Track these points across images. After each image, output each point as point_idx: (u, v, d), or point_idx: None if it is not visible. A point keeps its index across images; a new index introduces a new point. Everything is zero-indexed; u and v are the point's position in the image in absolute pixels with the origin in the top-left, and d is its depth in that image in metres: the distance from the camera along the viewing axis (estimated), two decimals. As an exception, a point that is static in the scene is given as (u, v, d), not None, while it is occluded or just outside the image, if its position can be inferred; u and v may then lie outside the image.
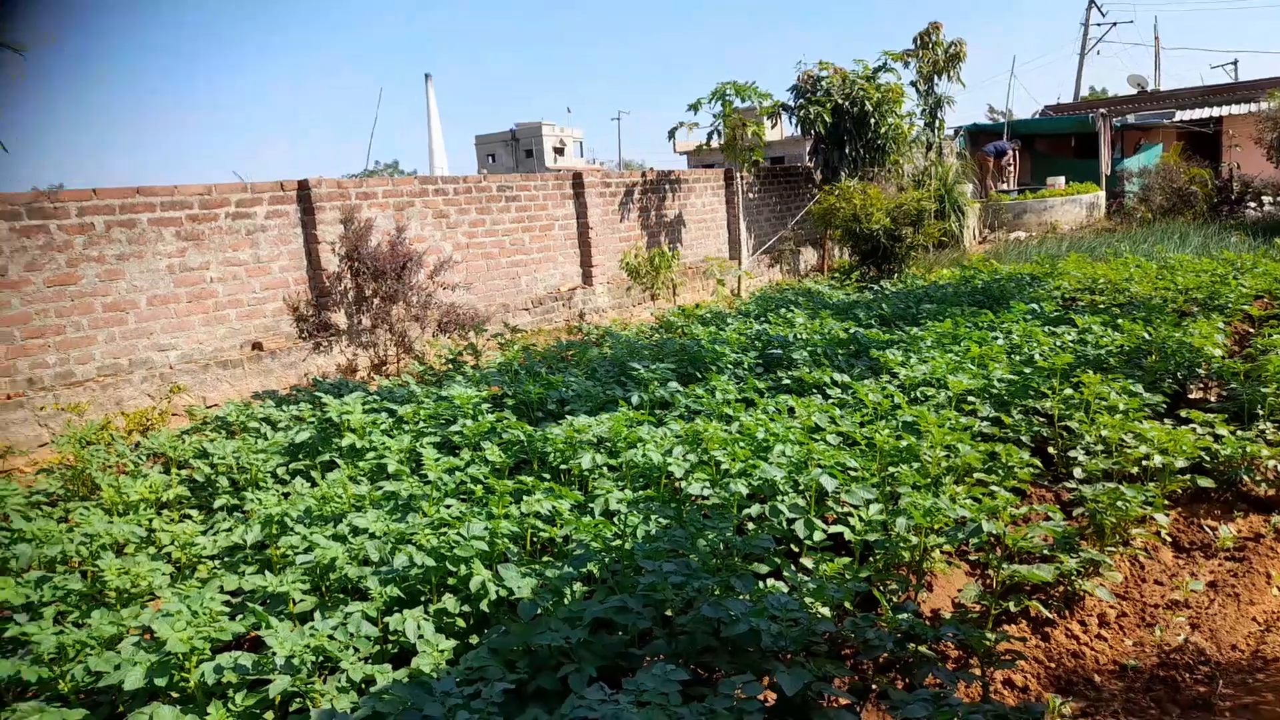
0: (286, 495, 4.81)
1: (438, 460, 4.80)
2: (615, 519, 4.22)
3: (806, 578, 3.91)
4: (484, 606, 3.56)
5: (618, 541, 3.94)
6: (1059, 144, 26.89)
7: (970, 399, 6.01)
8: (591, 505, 4.38)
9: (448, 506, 4.22)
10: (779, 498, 4.44)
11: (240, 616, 3.40)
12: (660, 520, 4.19)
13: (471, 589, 3.54)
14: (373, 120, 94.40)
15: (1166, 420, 5.71)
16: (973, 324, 8.14)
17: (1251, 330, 8.64)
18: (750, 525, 4.45)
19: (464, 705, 2.78)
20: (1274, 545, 4.47)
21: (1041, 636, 3.86)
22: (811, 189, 17.18)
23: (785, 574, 3.96)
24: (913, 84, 17.28)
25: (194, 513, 4.94)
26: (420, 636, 3.30)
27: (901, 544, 4.15)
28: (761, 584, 3.87)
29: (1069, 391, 5.96)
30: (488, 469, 4.82)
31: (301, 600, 3.65)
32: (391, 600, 3.55)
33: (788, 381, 6.74)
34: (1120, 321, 7.75)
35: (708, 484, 4.61)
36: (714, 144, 15.02)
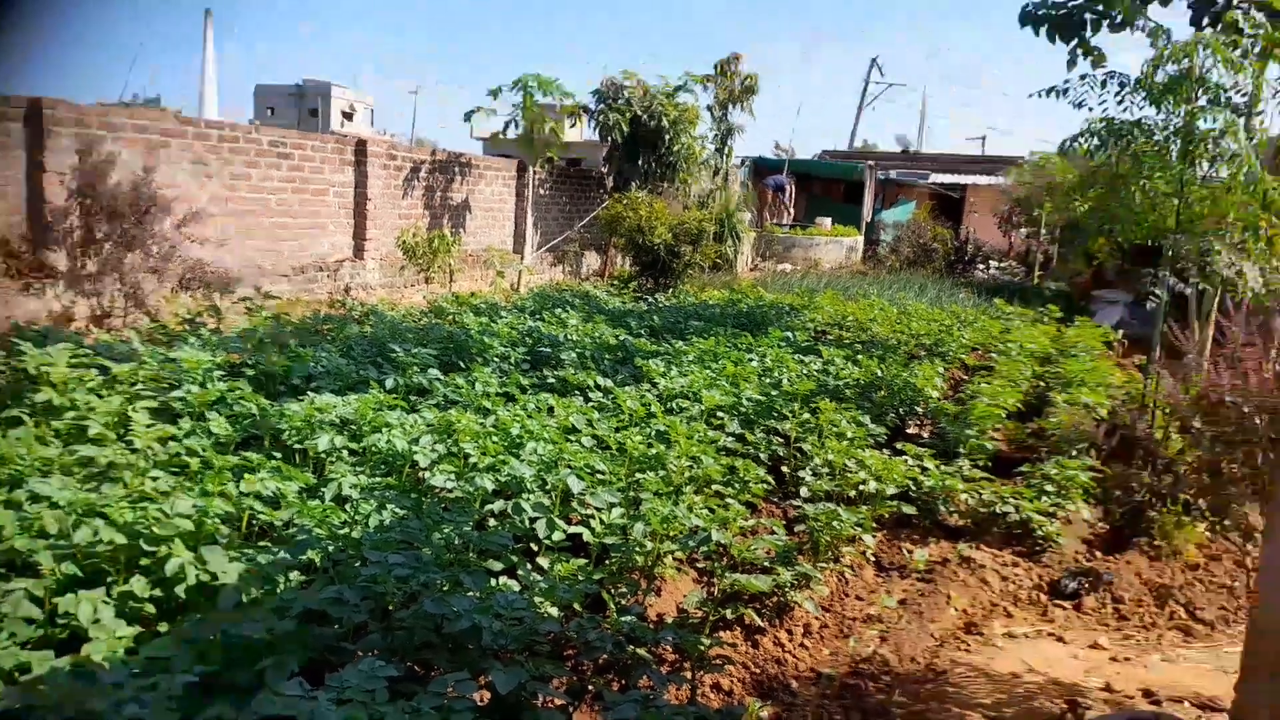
0: (-46, 452, 4.14)
1: (150, 426, 4.33)
2: (347, 506, 3.99)
3: (540, 577, 3.90)
4: (180, 592, 3.23)
5: (346, 530, 3.73)
6: (831, 187, 29.15)
7: (720, 414, 6.29)
8: (323, 490, 4.12)
9: (154, 479, 3.81)
10: (525, 495, 4.40)
11: None
12: (397, 510, 4.02)
13: (167, 571, 3.20)
14: (136, 46, 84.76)
15: (886, 450, 6.27)
16: (733, 344, 8.57)
17: (965, 377, 9.73)
18: (492, 521, 4.38)
19: (136, 697, 2.50)
20: (957, 570, 5.02)
21: (752, 643, 4.08)
22: (602, 195, 17.43)
23: (519, 572, 3.92)
24: (709, 108, 18.03)
25: None
26: (96, 621, 2.93)
27: (637, 548, 4.25)
28: (494, 581, 3.81)
29: (807, 416, 6.40)
30: (209, 442, 4.41)
31: (-49, 574, 3.13)
32: (67, 579, 3.13)
33: (552, 380, 6.74)
34: (860, 357, 8.46)
35: (453, 476, 4.49)
36: (511, 134, 14.84)
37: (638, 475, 4.93)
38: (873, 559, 5.16)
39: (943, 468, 6.00)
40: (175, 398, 4.88)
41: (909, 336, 10.47)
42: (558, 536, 4.21)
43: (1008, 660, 4.06)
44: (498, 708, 3.07)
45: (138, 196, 8.36)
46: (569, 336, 8.21)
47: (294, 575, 3.51)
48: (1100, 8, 8.99)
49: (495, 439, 4.86)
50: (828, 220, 25.12)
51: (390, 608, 3.36)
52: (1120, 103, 6.61)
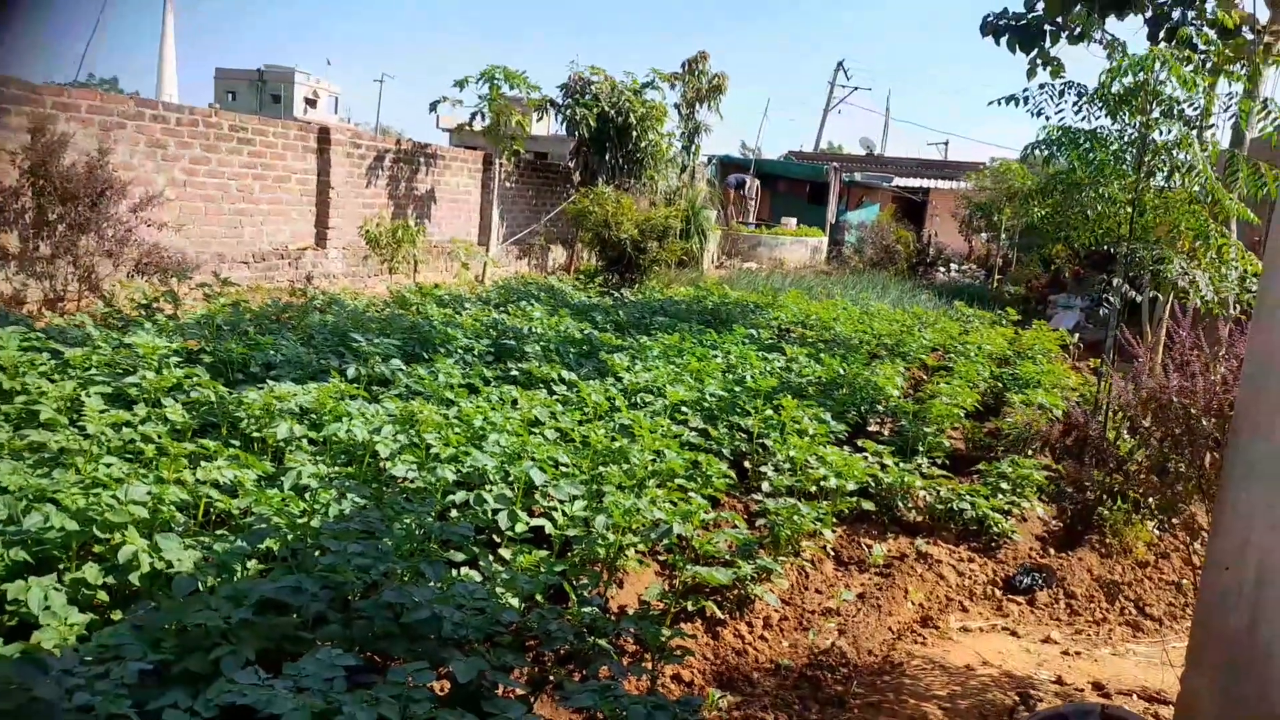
0: (-103, 436, 4.01)
1: (103, 412, 4.23)
2: (307, 495, 3.94)
3: (502, 569, 3.88)
4: (134, 580, 3.17)
5: (305, 519, 3.68)
6: (796, 187, 29.36)
7: (684, 409, 6.32)
8: (282, 479, 4.06)
9: (108, 465, 3.73)
10: (487, 487, 4.39)
11: None
12: (357, 499, 3.98)
13: (120, 559, 3.14)
14: (93, 25, 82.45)
15: (846, 447, 6.34)
16: (698, 340, 8.60)
17: (925, 377, 9.87)
18: (454, 513, 4.35)
19: (87, 685, 2.45)
20: (914, 565, 5.10)
21: (713, 635, 4.11)
22: (569, 189, 17.38)
23: (481, 563, 3.91)
24: (676, 106, 18.06)
25: None
26: (47, 608, 2.86)
27: (599, 541, 4.25)
28: (456, 572, 3.79)
29: (770, 413, 6.45)
30: (165, 428, 4.32)
31: (-107, 560, 3.04)
32: (18, 566, 3.06)
33: (516, 373, 6.72)
34: (822, 356, 8.54)
35: (415, 467, 4.46)
36: (477, 126, 14.75)
37: (601, 469, 4.93)
38: (832, 553, 5.22)
39: (902, 465, 6.08)
40: (130, 383, 4.78)
41: (871, 336, 10.59)
42: (520, 528, 4.20)
43: (963, 653, 4.13)
44: (458, 698, 3.05)
45: (92, 178, 8.16)
46: (533, 329, 8.18)
47: (252, 564, 3.46)
48: (1060, 20, 9.18)
49: (458, 430, 4.83)
50: (793, 220, 25.31)
51: (350, 598, 3.33)
52: (1078, 112, 6.75)
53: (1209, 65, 7.92)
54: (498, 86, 14.16)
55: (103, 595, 3.15)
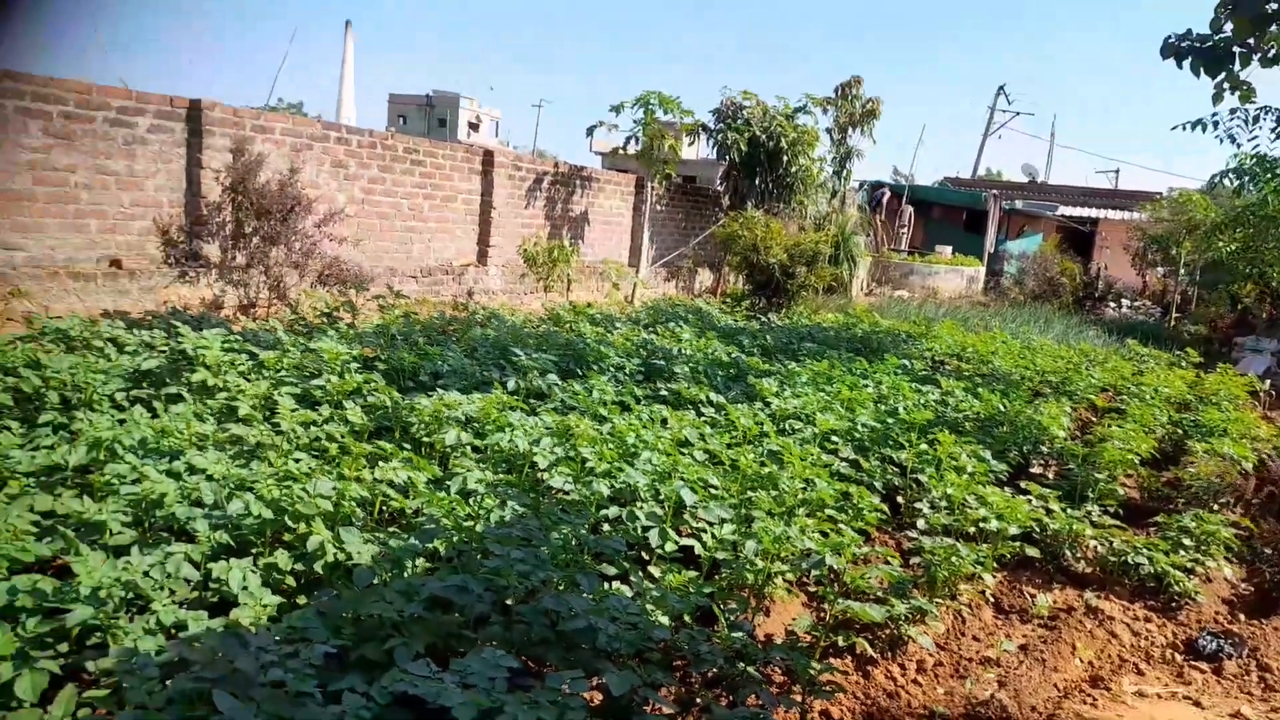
0: (122, 422, 4.47)
1: (294, 411, 4.57)
2: (471, 500, 4.12)
3: (652, 585, 3.92)
4: (318, 568, 3.40)
5: (470, 522, 3.85)
6: (952, 215, 28.37)
7: (834, 439, 6.20)
8: (449, 482, 4.26)
9: (297, 460, 4.02)
10: (638, 504, 4.45)
11: (49, 540, 3.13)
12: (516, 507, 4.12)
13: (308, 547, 3.38)
14: (283, 56, 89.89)
15: (1007, 488, 6.05)
16: (847, 369, 8.43)
17: (1094, 419, 9.29)
18: (606, 527, 4.43)
19: (280, 663, 2.64)
20: (1083, 620, 4.78)
21: (863, 674, 3.99)
22: (718, 213, 17.47)
23: (632, 579, 3.96)
24: (828, 131, 17.87)
25: (14, 424, 4.52)
26: (244, 588, 3.11)
27: (748, 566, 4.22)
28: (607, 585, 3.86)
29: (924, 447, 6.23)
30: (346, 429, 4.63)
31: (120, 533, 3.38)
32: (219, 547, 3.35)
33: (665, 393, 6.79)
34: (980, 390, 8.18)
35: (570, 479, 4.57)
36: (631, 150, 15.07)
37: (749, 493, 4.90)
38: (992, 600, 4.97)
39: (1069, 511, 5.73)
40: (315, 386, 5.15)
41: (1034, 372, 10.07)
42: (670, 547, 4.23)
43: (1137, 719, 3.84)
44: (609, 709, 3.10)
45: (284, 195, 8.86)
46: (682, 350, 8.25)
47: (420, 562, 3.64)
48: (1251, 41, 8.48)
49: (611, 446, 4.93)
50: (948, 249, 24.43)
51: (509, 601, 3.44)
52: (1276, 139, 6.24)
53: None
54: (652, 111, 14.43)
55: (290, 580, 3.40)
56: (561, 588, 3.55)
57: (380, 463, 4.10)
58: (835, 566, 4.11)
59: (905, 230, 25.38)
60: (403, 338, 6.97)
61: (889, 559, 4.65)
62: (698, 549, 4.33)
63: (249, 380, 5.18)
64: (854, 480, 5.79)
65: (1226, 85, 8.96)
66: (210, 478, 3.68)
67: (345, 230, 9.89)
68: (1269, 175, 6.42)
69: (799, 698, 3.56)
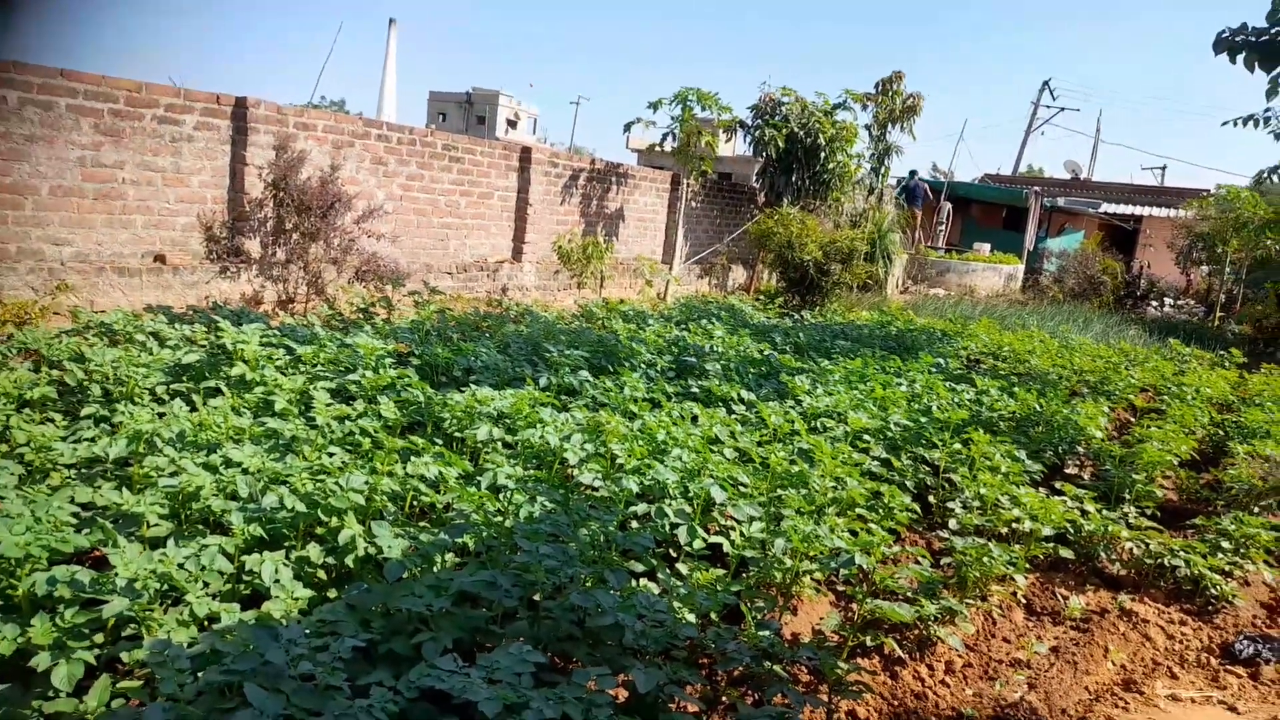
0: (161, 415, 4.59)
1: (329, 405, 4.66)
2: (501, 495, 4.17)
3: (679, 583, 3.93)
4: (349, 561, 3.46)
5: (499, 518, 3.89)
6: (991, 212, 27.95)
7: (866, 437, 6.16)
8: (480, 478, 4.31)
9: (330, 454, 4.10)
10: (667, 501, 4.46)
11: (87, 531, 3.22)
12: (546, 503, 4.16)
13: (340, 541, 3.44)
14: (327, 53, 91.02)
15: (1041, 489, 5.97)
16: (881, 367, 8.37)
17: (1132, 419, 9.13)
18: (634, 523, 4.46)
19: (309, 656, 2.69)
20: (1116, 622, 4.72)
21: (891, 675, 3.97)
22: (753, 210, 17.40)
23: (660, 576, 3.98)
24: (866, 127, 17.69)
25: (57, 417, 4.66)
26: (276, 581, 3.18)
27: (776, 565, 4.22)
28: (635, 582, 3.88)
29: (957, 446, 6.17)
30: (380, 424, 4.70)
31: (157, 525, 3.48)
32: (253, 540, 3.42)
33: (696, 390, 6.79)
34: (1016, 389, 8.08)
35: (600, 475, 4.60)
36: (667, 146, 15.05)
37: (779, 491, 4.89)
38: (1023, 601, 4.92)
39: (1105, 513, 5.64)
40: (350, 380, 5.24)
41: (1071, 372, 9.91)
42: (698, 545, 4.24)
43: (1171, 725, 3.78)
44: (635, 706, 3.12)
45: (324, 192, 8.99)
46: (714, 347, 8.25)
47: (449, 556, 3.69)
48: (1310, 36, 8.26)
49: (641, 443, 4.95)
50: (986, 246, 24.08)
51: (537, 598, 3.48)
52: (1330, 135, 6.08)
53: None
54: (690, 108, 14.40)
55: (322, 574, 3.46)
56: (589, 584, 3.58)
57: (413, 457, 4.15)
58: (864, 566, 4.09)
59: (943, 227, 25.06)
60: (437, 333, 7.05)
61: (919, 559, 4.63)
62: (726, 547, 4.34)
63: (286, 375, 5.28)
64: (885, 479, 5.76)
65: (1282, 80, 8.72)
66: (246, 471, 3.76)
67: (384, 226, 10.01)
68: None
69: (825, 697, 3.56)
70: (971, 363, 10.36)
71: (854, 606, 4.32)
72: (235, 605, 3.08)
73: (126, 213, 8.03)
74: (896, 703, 3.79)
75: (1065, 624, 4.73)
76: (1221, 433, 8.47)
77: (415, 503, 4.13)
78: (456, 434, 4.90)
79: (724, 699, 3.51)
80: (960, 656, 4.19)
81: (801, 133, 16.20)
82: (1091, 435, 7.22)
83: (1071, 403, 8.01)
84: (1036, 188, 28.03)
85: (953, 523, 5.30)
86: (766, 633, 3.66)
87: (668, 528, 4.29)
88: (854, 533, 4.46)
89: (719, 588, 3.93)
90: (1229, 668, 4.43)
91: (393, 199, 10.60)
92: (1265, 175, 7.30)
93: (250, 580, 3.30)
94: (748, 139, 16.85)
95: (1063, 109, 43.06)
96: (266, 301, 8.95)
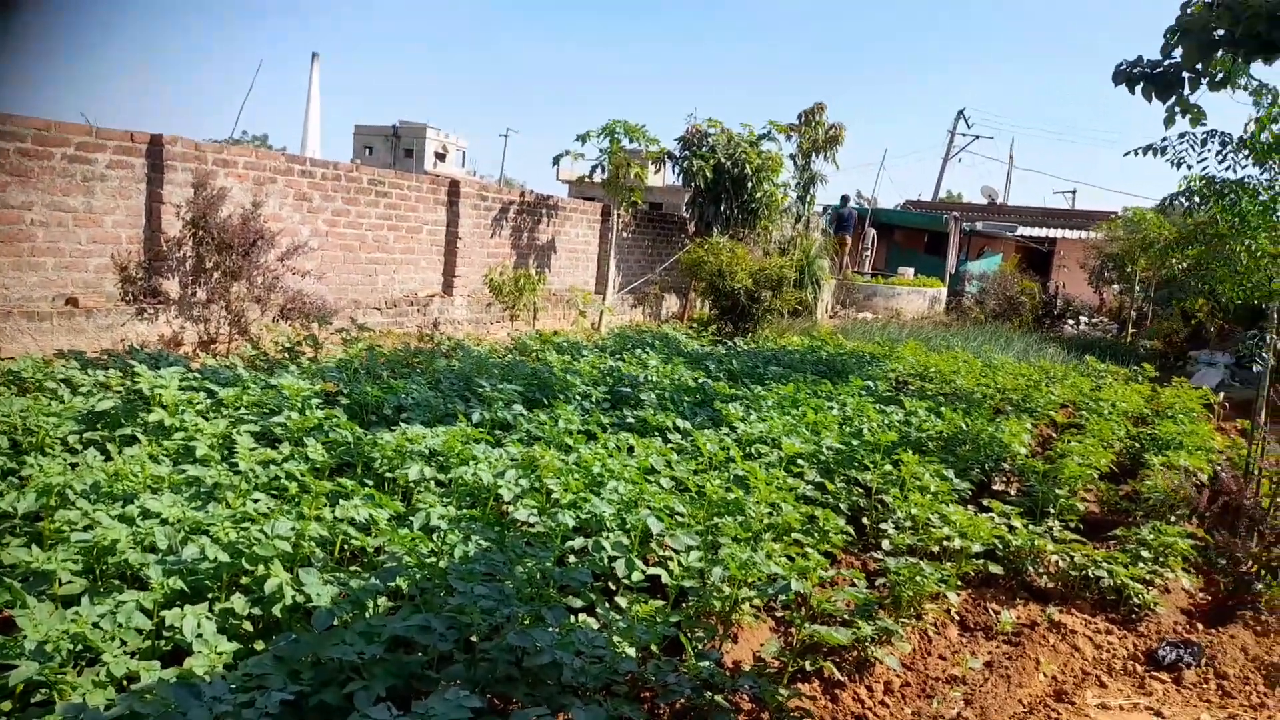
0: (74, 466, 4.39)
1: (253, 450, 4.52)
2: (435, 535, 4.09)
3: (619, 616, 3.91)
4: (276, 611, 3.35)
5: (433, 559, 3.82)
6: (914, 237, 28.79)
7: (800, 462, 6.23)
8: (412, 519, 4.23)
9: (255, 501, 3.97)
10: (604, 534, 4.44)
11: (-7, 592, 3.05)
12: (481, 542, 4.10)
13: (266, 590, 3.33)
14: (247, 89, 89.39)
15: (970, 506, 6.12)
16: (813, 391, 8.49)
17: (1054, 435, 9.43)
18: (572, 558, 4.41)
19: (234, 713, 2.59)
20: (1046, 634, 4.84)
21: (831, 698, 4.00)
22: (684, 239, 17.60)
23: (599, 610, 3.94)
24: (791, 157, 18.09)
25: (-39, 472, 4.42)
26: (199, 635, 3.06)
27: (715, 593, 4.22)
28: (574, 618, 3.83)
29: (889, 468, 6.29)
30: (307, 466, 4.58)
31: (70, 582, 3.31)
32: (174, 593, 3.28)
33: (632, 420, 6.79)
34: (943, 409, 8.28)
35: (536, 511, 4.56)
36: (597, 178, 15.16)
37: (716, 519, 4.91)
38: (956, 618, 5.01)
39: (1031, 527, 5.80)
40: (276, 423, 5.10)
41: (995, 391, 10.21)
42: (636, 577, 4.22)
43: (1101, 733, 3.88)
44: (576, 745, 3.08)
45: (246, 229, 8.80)
46: (649, 377, 8.27)
47: (382, 601, 3.60)
48: (1199, 66, 8.75)
49: (577, 476, 4.92)
50: (910, 270, 24.77)
51: (474, 639, 3.41)
52: (1222, 161, 6.42)
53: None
54: (618, 140, 14.55)
55: (248, 625, 3.34)
56: (527, 622, 3.52)
57: (342, 500, 4.06)
58: (802, 590, 4.12)
59: (869, 253, 25.70)
60: (366, 371, 6.92)
61: (855, 581, 4.68)
62: (664, 577, 4.33)
63: (207, 419, 5.12)
64: (820, 503, 5.83)
65: (1177, 109, 9.23)
66: (165, 521, 3.62)
67: (309, 263, 9.83)
68: (1216, 197, 6.60)
69: (766, 725, 3.56)
70: (900, 384, 10.60)
71: (793, 631, 4.33)
72: (155, 663, 2.95)
73: (35, 255, 7.73)
74: (837, 726, 3.81)
75: (997, 638, 4.83)
76: (1138, 445, 8.80)
77: (345, 547, 4.02)
78: (388, 474, 4.80)
79: (667, 732, 3.48)
80: (898, 676, 4.24)
81: (728, 163, 16.49)
82: (1016, 452, 7.44)
83: (996, 421, 8.25)
84: (956, 213, 28.99)
85: (886, 543, 5.39)
86: (707, 663, 3.66)
87: (606, 561, 4.26)
88: (790, 558, 4.49)
89: (658, 619, 3.91)
90: (1154, 674, 4.58)
91: (318, 235, 10.43)
92: (1168, 201, 7.66)
93: (171, 636, 3.16)
94: (676, 170, 17.08)
95: (977, 137, 44.84)
96: (187, 343, 8.68)
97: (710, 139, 16.71)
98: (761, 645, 4.28)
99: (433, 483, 4.78)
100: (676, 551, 4.46)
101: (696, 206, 17.34)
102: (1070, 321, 24.20)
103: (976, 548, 5.25)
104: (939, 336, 16.21)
